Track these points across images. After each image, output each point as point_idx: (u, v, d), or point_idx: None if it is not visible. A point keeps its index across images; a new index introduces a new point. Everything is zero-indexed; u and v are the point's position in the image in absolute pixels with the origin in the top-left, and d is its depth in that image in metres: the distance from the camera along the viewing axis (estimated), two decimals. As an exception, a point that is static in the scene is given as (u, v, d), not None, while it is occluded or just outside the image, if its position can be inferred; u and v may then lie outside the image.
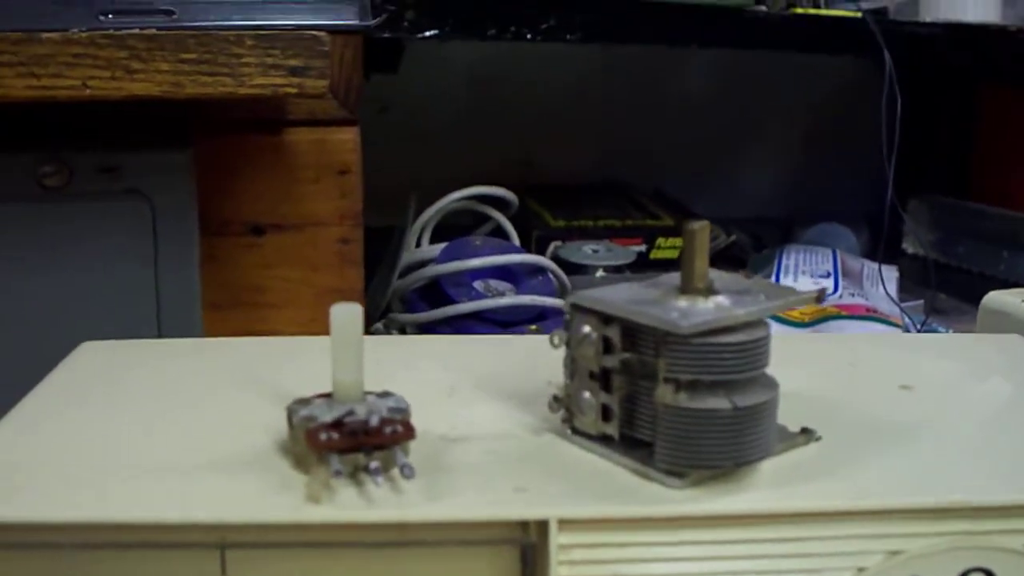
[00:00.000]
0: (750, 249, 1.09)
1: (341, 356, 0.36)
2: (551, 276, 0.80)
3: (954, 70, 1.22)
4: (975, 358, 0.49)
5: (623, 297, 0.36)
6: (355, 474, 0.35)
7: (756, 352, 0.34)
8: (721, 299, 0.35)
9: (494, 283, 0.77)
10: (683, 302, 0.35)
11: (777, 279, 0.95)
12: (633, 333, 0.35)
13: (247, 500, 0.34)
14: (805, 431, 0.38)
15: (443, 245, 0.82)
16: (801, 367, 0.44)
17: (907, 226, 1.13)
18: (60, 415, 0.41)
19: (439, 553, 0.33)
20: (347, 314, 0.36)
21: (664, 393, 0.34)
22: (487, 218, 0.88)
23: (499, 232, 0.88)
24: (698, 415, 0.34)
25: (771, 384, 0.35)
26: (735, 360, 0.34)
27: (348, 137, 0.75)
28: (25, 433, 0.39)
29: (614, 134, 1.22)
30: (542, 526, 0.33)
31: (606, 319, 0.36)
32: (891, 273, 0.96)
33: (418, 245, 0.83)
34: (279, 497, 0.34)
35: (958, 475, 0.37)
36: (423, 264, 0.80)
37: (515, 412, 0.41)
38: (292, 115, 0.74)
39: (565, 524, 0.33)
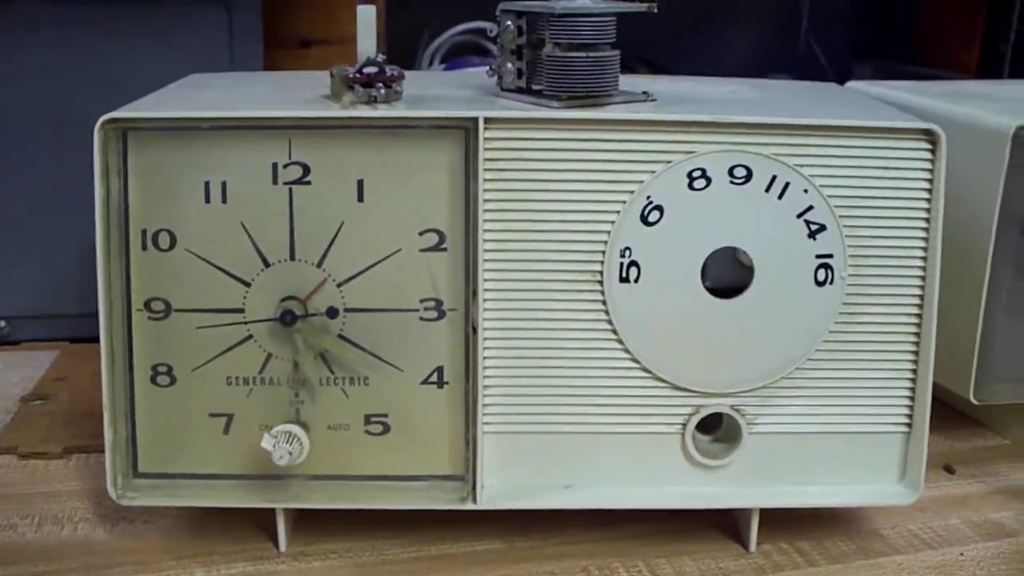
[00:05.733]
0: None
1: (363, 37, 0.60)
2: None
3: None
4: (797, 86, 0.73)
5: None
6: (369, 101, 0.59)
7: (605, 27, 0.58)
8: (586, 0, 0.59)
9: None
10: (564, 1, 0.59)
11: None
12: (533, 21, 0.59)
13: (307, 109, 0.58)
14: (645, 93, 0.62)
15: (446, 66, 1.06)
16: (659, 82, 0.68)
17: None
18: (186, 90, 0.65)
19: (418, 134, 0.58)
20: (367, 11, 0.60)
21: (550, 48, 0.58)
22: (487, 52, 1.12)
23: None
24: (567, 60, 0.58)
25: (615, 50, 0.59)
26: (590, 30, 0.58)
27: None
28: (158, 96, 0.64)
29: None
30: (475, 121, 0.57)
31: (519, 14, 0.60)
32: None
33: (430, 66, 1.07)
34: (326, 110, 0.58)
35: (738, 110, 0.60)
36: (432, 78, 1.04)
37: (466, 86, 0.65)
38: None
39: (488, 121, 0.57)
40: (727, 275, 0.61)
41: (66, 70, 0.89)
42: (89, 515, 0.67)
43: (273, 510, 0.63)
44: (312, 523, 0.65)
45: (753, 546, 0.64)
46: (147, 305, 0.60)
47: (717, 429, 0.64)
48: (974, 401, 0.73)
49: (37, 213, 0.91)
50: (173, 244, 0.59)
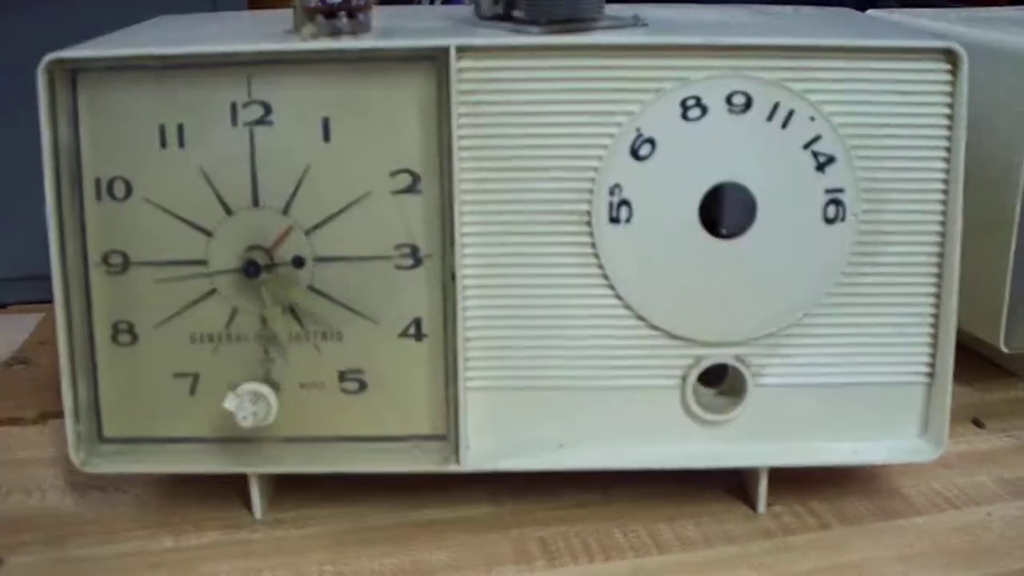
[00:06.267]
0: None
1: (325, -36, 0.55)
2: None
3: None
4: (803, 10, 0.67)
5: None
6: (333, 33, 0.54)
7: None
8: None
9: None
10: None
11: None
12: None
13: (265, 43, 0.54)
14: (635, 16, 0.57)
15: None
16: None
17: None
18: (146, 30, 0.61)
19: (385, 67, 0.53)
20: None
21: (526, -32, 0.53)
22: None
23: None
24: (545, -20, 0.53)
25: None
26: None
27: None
28: (113, 36, 0.59)
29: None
30: (447, 51, 0.52)
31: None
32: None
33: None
34: (285, 43, 0.54)
35: (735, 32, 0.55)
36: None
37: (443, 17, 0.60)
38: None
39: (461, 50, 0.53)
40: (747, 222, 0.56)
41: (51, 29, 0.86)
42: (59, 483, 0.63)
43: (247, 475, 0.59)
44: (290, 488, 0.61)
45: (762, 507, 0.60)
46: (105, 259, 0.56)
47: (721, 382, 0.59)
48: (1005, 350, 0.68)
49: (24, 174, 0.88)
50: (129, 193, 0.55)
